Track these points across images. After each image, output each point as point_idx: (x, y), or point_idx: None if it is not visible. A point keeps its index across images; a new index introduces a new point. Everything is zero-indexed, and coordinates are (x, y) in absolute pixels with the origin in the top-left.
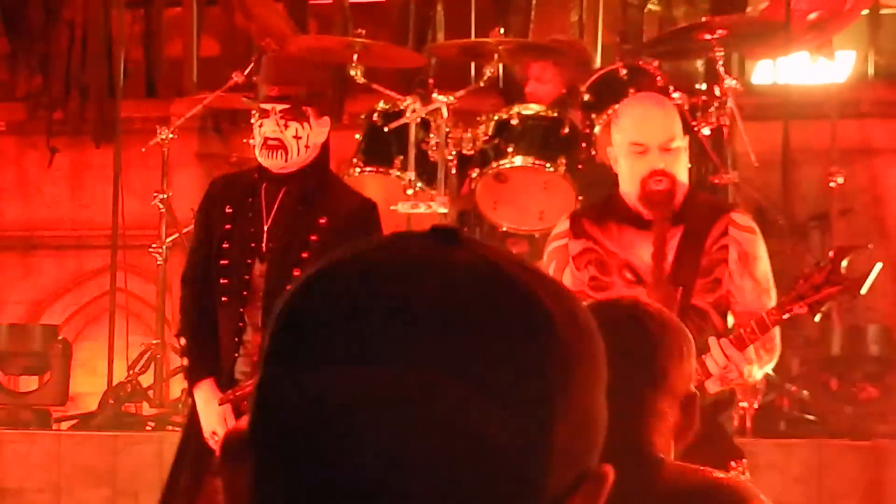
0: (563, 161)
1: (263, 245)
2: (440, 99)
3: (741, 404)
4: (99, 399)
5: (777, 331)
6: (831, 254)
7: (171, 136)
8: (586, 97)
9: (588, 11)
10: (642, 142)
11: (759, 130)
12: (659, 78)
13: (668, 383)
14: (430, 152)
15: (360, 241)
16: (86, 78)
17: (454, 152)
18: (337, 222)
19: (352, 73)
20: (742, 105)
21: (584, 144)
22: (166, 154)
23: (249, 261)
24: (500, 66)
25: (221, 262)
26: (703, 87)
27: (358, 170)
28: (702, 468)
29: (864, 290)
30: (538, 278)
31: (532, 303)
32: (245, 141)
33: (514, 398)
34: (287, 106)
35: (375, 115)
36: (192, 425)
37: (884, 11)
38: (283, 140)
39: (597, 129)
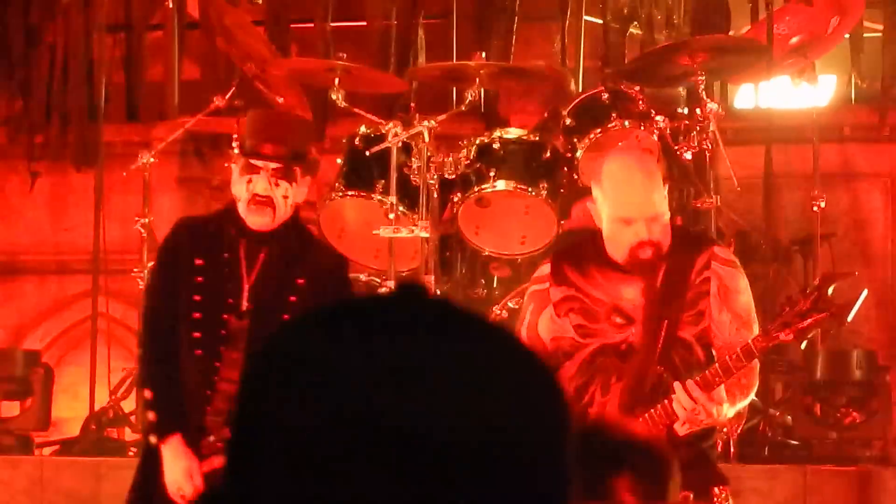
0: (545, 185)
1: (243, 303)
2: (422, 123)
3: (723, 430)
4: (81, 424)
5: (756, 365)
6: (817, 281)
7: (152, 160)
8: (568, 121)
9: (569, 35)
10: (628, 216)
11: (741, 154)
12: (640, 102)
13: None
14: (411, 176)
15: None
16: (67, 102)
17: (436, 176)
18: (315, 282)
19: (333, 96)
20: (724, 129)
21: (566, 169)
22: (147, 178)
23: (226, 316)
24: (482, 90)
25: (194, 314)
26: (685, 111)
27: (339, 194)
28: None
29: (850, 318)
30: (502, 336)
31: (494, 357)
32: (226, 165)
33: (476, 442)
34: (279, 165)
35: (357, 139)
36: (154, 476)
37: (866, 35)
38: (272, 198)
39: (579, 154)
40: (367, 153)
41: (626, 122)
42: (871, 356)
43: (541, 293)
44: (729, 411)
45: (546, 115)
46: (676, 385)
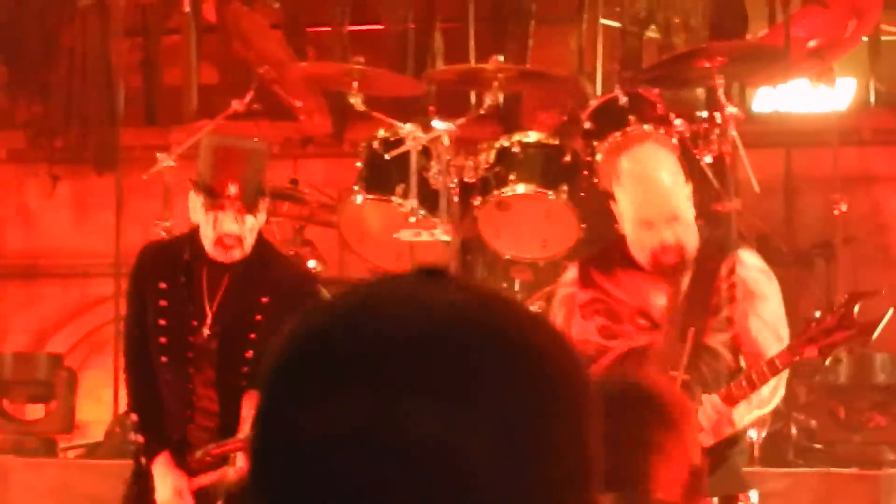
0: (565, 189)
1: (207, 325)
2: (441, 126)
3: (749, 434)
4: (105, 428)
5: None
6: (844, 298)
7: (171, 163)
8: (587, 125)
9: (587, 38)
10: (649, 219)
11: (761, 158)
12: (659, 105)
13: (673, 461)
14: (431, 180)
15: (352, 287)
16: (85, 106)
17: (456, 180)
18: (279, 299)
19: (351, 100)
20: (743, 132)
21: (585, 172)
22: (167, 182)
23: (191, 339)
24: (500, 93)
25: (160, 339)
26: (704, 114)
27: (360, 197)
28: None
29: (874, 336)
30: (525, 316)
31: (516, 339)
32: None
33: (495, 428)
34: (243, 202)
35: (376, 142)
36: (145, 496)
37: (884, 38)
38: (241, 236)
39: (598, 157)
40: (387, 157)
41: (645, 126)
42: (894, 360)
43: (569, 297)
44: (755, 414)
45: (565, 118)
46: (704, 398)
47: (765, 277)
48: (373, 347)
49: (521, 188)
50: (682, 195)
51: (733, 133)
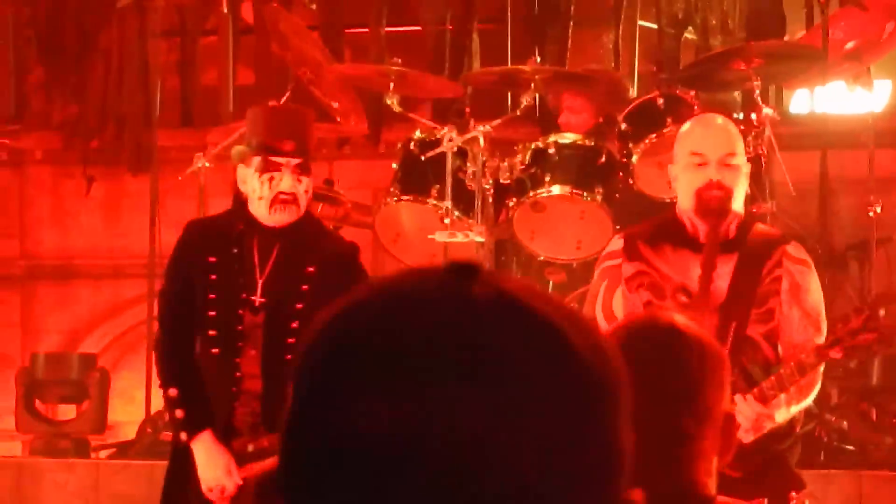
0: (601, 190)
1: (257, 297)
2: (477, 128)
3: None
4: (137, 428)
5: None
6: (871, 298)
7: (207, 164)
8: (623, 126)
9: (624, 40)
10: (702, 152)
11: (797, 160)
12: (696, 107)
13: (709, 411)
14: (466, 181)
15: (378, 280)
16: (121, 107)
17: (491, 181)
18: (325, 269)
19: (388, 101)
20: (779, 134)
21: (621, 174)
22: (203, 183)
23: (241, 311)
24: (536, 95)
25: (209, 313)
26: (741, 116)
27: (395, 198)
28: None
29: None
30: (558, 309)
31: (550, 333)
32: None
33: (535, 425)
34: (301, 160)
35: (412, 143)
36: (184, 475)
37: None
38: (297, 195)
39: (634, 159)
40: (423, 158)
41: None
42: None
43: (613, 269)
44: (794, 410)
45: (601, 119)
46: (738, 398)
47: (809, 270)
48: (405, 342)
49: (556, 189)
50: (740, 147)
51: (769, 135)
